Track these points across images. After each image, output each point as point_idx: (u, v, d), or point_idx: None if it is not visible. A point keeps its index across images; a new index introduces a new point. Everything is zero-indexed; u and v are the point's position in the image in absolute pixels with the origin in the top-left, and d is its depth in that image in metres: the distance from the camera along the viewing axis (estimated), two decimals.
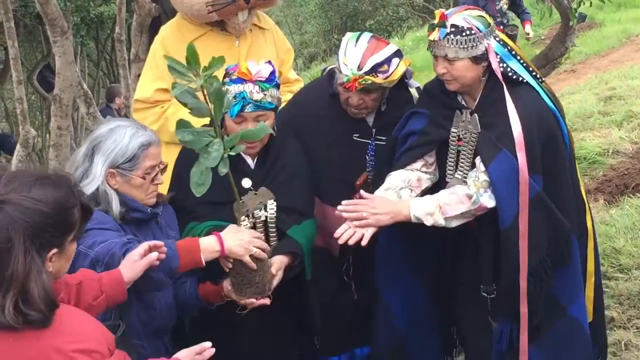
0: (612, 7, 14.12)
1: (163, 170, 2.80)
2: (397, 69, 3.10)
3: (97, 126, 2.83)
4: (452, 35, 2.87)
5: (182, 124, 2.40)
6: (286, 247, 2.97)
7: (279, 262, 2.90)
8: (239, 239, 2.70)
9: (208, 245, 2.67)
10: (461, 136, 3.03)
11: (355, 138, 3.28)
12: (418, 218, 2.90)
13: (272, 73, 2.88)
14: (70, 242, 2.03)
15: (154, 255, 2.51)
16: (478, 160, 2.97)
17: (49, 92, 11.65)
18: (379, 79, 3.05)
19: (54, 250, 1.96)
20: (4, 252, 1.88)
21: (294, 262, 2.95)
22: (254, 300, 2.81)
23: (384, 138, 3.28)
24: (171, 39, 3.46)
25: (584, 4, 6.28)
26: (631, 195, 5.44)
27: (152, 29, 4.42)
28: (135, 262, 2.50)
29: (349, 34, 3.19)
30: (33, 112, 22.89)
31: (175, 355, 2.31)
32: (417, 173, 3.11)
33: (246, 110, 2.84)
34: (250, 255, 2.73)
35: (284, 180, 3.04)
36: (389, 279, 3.23)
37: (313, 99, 3.36)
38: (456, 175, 3.06)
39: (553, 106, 3.03)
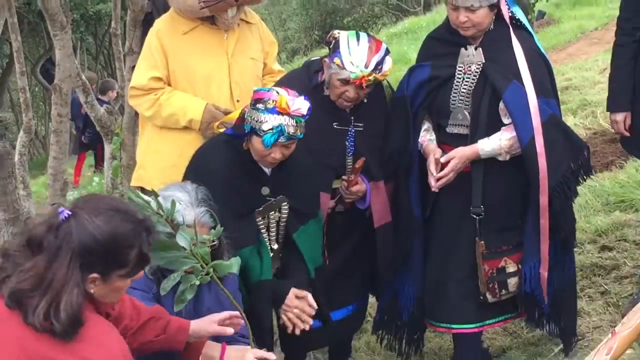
0: (569, 5, 14.22)
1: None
2: (390, 66, 3.16)
3: (166, 187, 2.74)
4: None
5: (156, 245, 2.10)
6: (298, 283, 3.04)
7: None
8: (238, 358, 2.49)
9: (210, 351, 2.51)
10: (465, 69, 3.20)
11: (335, 126, 3.29)
12: (487, 155, 3.17)
13: (309, 109, 2.91)
14: (118, 277, 1.98)
15: (229, 330, 2.48)
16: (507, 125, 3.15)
17: (51, 83, 11.52)
18: (379, 76, 3.11)
19: (95, 275, 1.93)
20: (52, 257, 1.88)
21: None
22: None
23: (361, 125, 3.31)
24: (165, 31, 3.46)
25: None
26: (585, 177, 5.48)
27: (145, 24, 4.42)
28: (212, 323, 2.47)
29: (344, 33, 3.18)
30: (37, 103, 22.69)
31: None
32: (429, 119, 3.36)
33: (279, 141, 2.86)
34: None
35: (297, 184, 3.09)
36: (419, 200, 3.36)
37: (295, 90, 3.35)
38: (458, 105, 3.22)
39: (545, 54, 3.28)
